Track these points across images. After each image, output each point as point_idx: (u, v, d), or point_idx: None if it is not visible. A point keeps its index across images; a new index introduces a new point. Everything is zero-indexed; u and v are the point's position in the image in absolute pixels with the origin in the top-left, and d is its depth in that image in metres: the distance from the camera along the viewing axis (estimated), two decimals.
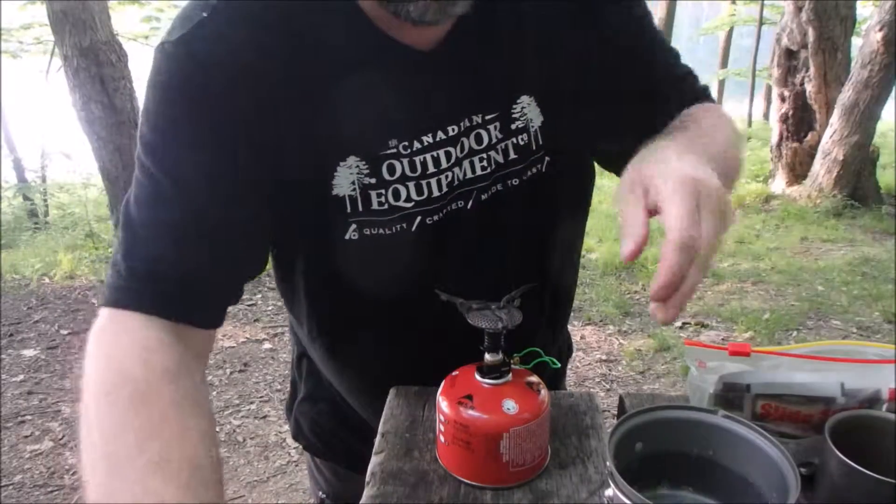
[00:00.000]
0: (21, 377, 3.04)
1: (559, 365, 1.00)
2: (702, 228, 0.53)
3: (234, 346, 3.28)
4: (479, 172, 0.75)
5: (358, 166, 0.71)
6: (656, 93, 0.82)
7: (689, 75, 0.86)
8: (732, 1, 12.28)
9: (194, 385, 0.62)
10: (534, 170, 0.79)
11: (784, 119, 6.09)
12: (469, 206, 0.76)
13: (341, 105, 0.69)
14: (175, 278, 0.64)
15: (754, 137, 9.00)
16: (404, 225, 0.74)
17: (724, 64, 12.82)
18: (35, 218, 6.31)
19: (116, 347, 0.62)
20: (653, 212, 0.56)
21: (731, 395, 0.70)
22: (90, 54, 4.13)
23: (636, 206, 0.56)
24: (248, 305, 3.73)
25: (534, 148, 0.78)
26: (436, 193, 0.74)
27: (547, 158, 0.79)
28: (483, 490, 0.67)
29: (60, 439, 2.59)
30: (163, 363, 0.60)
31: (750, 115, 10.40)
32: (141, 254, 0.64)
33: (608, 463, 0.54)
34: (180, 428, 0.56)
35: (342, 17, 0.68)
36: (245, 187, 0.67)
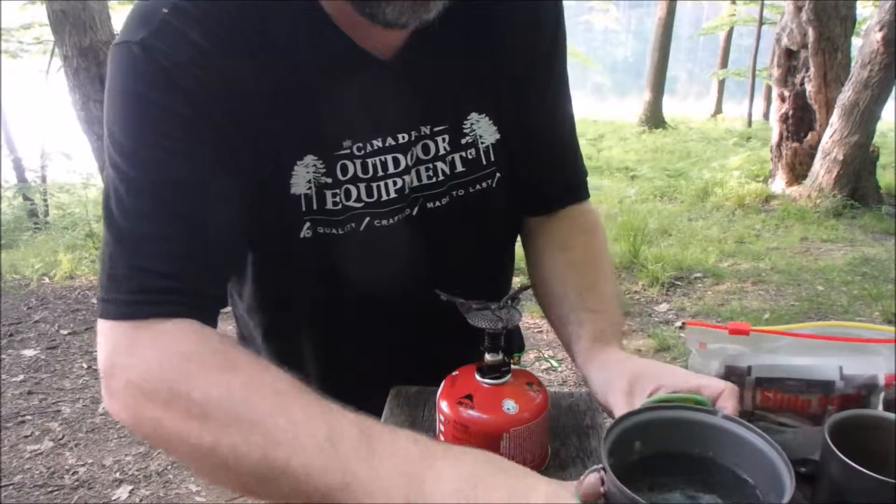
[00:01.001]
0: (21, 377, 3.04)
1: (559, 365, 1.03)
2: None
3: None
4: (425, 181, 0.78)
5: (315, 165, 0.72)
6: (557, 154, 0.89)
7: (581, 161, 0.92)
8: (732, 1, 12.29)
9: (247, 349, 0.64)
10: (483, 184, 0.81)
11: (784, 119, 6.09)
12: (416, 214, 0.79)
13: (300, 104, 0.70)
14: (185, 291, 0.63)
15: (754, 137, 9.01)
16: (353, 225, 0.76)
17: (724, 64, 12.83)
18: (35, 218, 6.31)
19: (165, 345, 0.61)
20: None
21: (732, 380, 0.70)
22: (90, 54, 4.13)
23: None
24: None
25: (484, 163, 0.81)
26: (384, 197, 0.76)
27: (498, 175, 0.82)
28: None
29: (60, 439, 2.59)
30: (215, 337, 0.62)
31: (750, 115, 10.41)
32: (149, 270, 0.63)
33: (603, 460, 0.54)
34: (270, 373, 0.59)
35: (304, 20, 0.68)
36: (224, 185, 0.67)
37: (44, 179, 6.94)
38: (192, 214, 0.64)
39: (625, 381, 0.66)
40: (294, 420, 0.54)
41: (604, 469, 0.53)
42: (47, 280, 4.17)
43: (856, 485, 0.58)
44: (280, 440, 0.54)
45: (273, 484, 0.54)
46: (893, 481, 0.56)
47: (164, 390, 0.58)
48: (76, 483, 2.34)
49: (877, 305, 3.70)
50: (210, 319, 0.65)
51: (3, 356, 3.22)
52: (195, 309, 0.63)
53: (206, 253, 0.65)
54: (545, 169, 0.87)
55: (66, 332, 3.49)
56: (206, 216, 0.65)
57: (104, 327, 0.63)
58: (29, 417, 2.73)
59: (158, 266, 0.63)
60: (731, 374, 0.71)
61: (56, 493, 2.29)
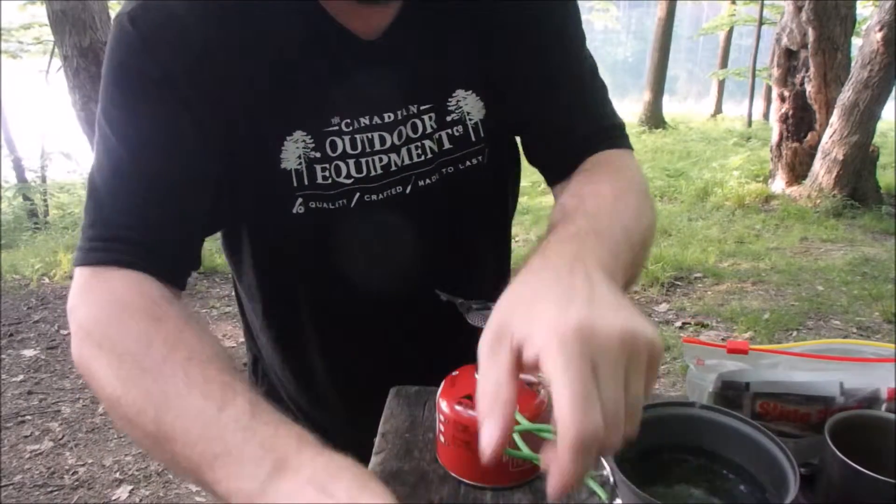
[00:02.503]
0: (21, 377, 3.04)
1: None
2: (602, 407, 0.41)
3: (234, 346, 3.28)
4: (415, 160, 0.79)
5: (304, 140, 0.74)
6: (573, 113, 0.81)
7: (606, 109, 0.83)
8: (732, 1, 12.29)
9: (189, 310, 0.65)
10: (473, 160, 0.82)
11: (784, 119, 6.09)
12: (408, 192, 0.80)
13: (288, 81, 0.72)
14: (143, 244, 0.67)
15: (754, 137, 9.01)
16: (345, 201, 0.77)
17: (724, 64, 12.82)
18: (35, 218, 6.31)
19: (109, 291, 0.64)
20: (526, 368, 0.45)
21: (730, 394, 0.70)
22: (90, 54, 4.13)
23: (501, 370, 0.45)
24: None
25: (473, 140, 0.81)
26: (373, 173, 0.77)
27: (487, 150, 0.83)
28: (483, 490, 0.68)
29: (60, 439, 2.59)
30: (158, 292, 0.64)
31: (750, 115, 10.41)
32: (110, 221, 0.67)
33: (608, 459, 0.55)
34: (197, 336, 0.60)
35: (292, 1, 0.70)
36: (198, 155, 0.70)
37: (44, 179, 6.95)
38: (159, 173, 0.68)
39: (490, 331, 0.48)
40: (192, 384, 0.54)
41: (610, 469, 0.53)
42: (47, 280, 4.17)
43: (856, 485, 0.58)
44: (172, 403, 0.54)
45: (162, 447, 0.54)
46: (893, 481, 0.56)
47: (97, 334, 0.61)
48: (76, 483, 2.34)
49: (877, 305, 3.70)
50: (169, 277, 0.68)
51: (3, 356, 3.22)
52: (152, 264, 0.66)
53: (171, 211, 0.69)
54: (557, 123, 0.81)
55: (66, 332, 3.49)
56: (173, 177, 0.68)
57: (74, 273, 0.68)
58: (29, 417, 2.73)
59: (120, 219, 0.67)
60: (729, 388, 0.70)
61: (56, 493, 2.29)
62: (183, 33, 0.67)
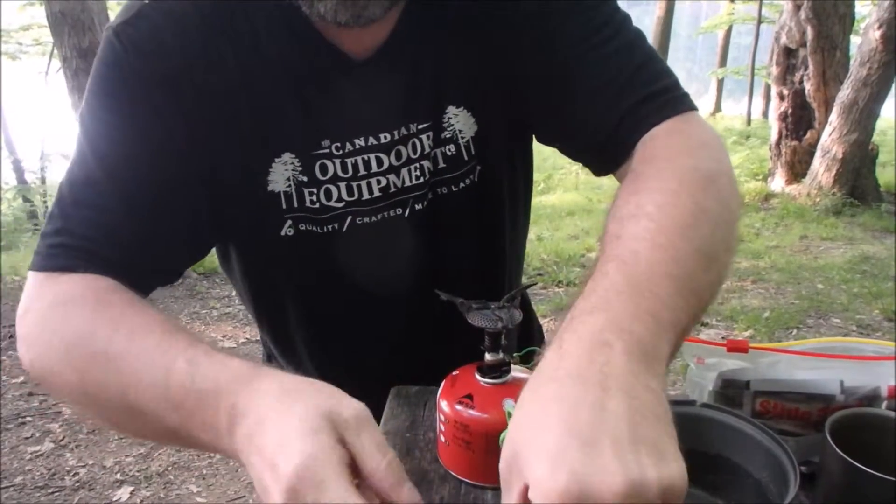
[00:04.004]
0: (21, 378, 3.03)
1: None
2: None
3: (234, 347, 3.29)
4: (414, 181, 0.77)
5: (293, 163, 0.73)
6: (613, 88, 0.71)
7: (642, 77, 0.71)
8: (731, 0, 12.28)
9: (137, 295, 0.64)
10: (467, 180, 0.80)
11: (783, 117, 6.09)
12: (406, 214, 0.78)
13: (277, 103, 0.71)
14: (106, 254, 0.66)
15: (753, 136, 9.01)
16: (336, 225, 0.76)
17: (723, 62, 12.83)
18: (35, 219, 6.32)
19: (57, 292, 0.63)
20: None
21: (730, 392, 0.70)
22: (89, 55, 4.12)
23: None
24: None
25: (465, 158, 0.79)
26: (366, 196, 0.76)
27: (479, 168, 0.80)
28: (483, 490, 0.67)
29: (61, 440, 2.59)
30: (107, 285, 0.64)
31: (749, 114, 10.41)
32: (73, 231, 0.66)
33: None
34: (142, 315, 0.60)
35: (282, 18, 0.69)
36: (177, 176, 0.69)
37: (43, 181, 6.95)
38: (132, 185, 0.66)
39: (504, 459, 0.45)
40: (143, 353, 0.55)
41: None
42: None
43: (856, 483, 0.58)
44: (129, 377, 0.55)
45: (137, 420, 0.56)
46: (894, 479, 0.56)
47: (46, 332, 0.61)
48: (77, 484, 2.34)
49: (877, 303, 3.70)
50: (130, 285, 0.65)
51: (4, 357, 3.22)
52: (111, 270, 0.65)
53: (142, 224, 0.67)
54: (579, 113, 0.73)
55: None
56: (146, 190, 0.67)
57: (27, 278, 0.67)
58: (29, 419, 2.73)
59: (81, 230, 0.65)
60: (729, 386, 0.70)
61: (57, 494, 2.29)
62: (168, 51, 0.66)
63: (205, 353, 0.54)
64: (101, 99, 0.67)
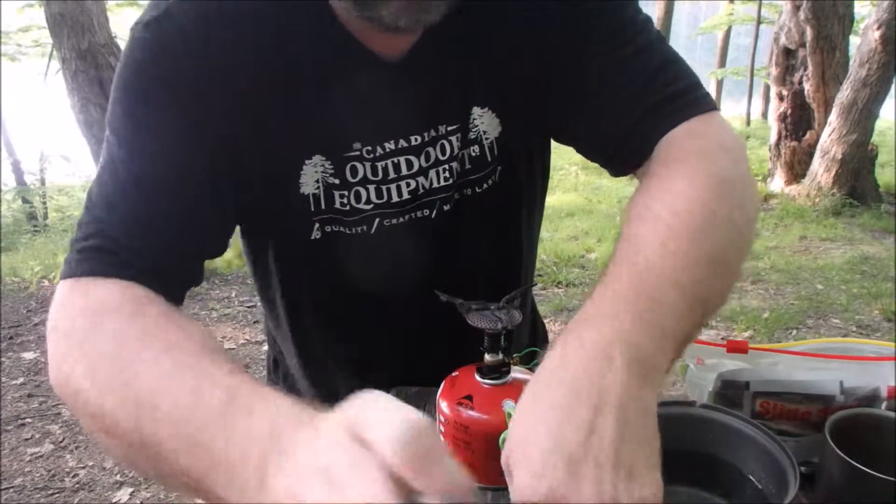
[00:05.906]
0: (21, 380, 3.03)
1: None
2: None
3: (234, 348, 3.28)
4: (443, 183, 0.77)
5: (323, 165, 0.72)
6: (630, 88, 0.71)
7: (661, 78, 0.72)
8: (730, 0, 12.29)
9: (173, 306, 0.61)
10: (489, 181, 0.80)
11: (782, 118, 6.09)
12: (433, 216, 0.78)
13: (308, 105, 0.70)
14: (137, 257, 0.63)
15: (753, 136, 9.01)
16: (364, 227, 0.76)
17: (723, 63, 12.83)
18: (34, 221, 6.31)
19: (88, 300, 0.60)
20: None
21: (730, 393, 0.70)
22: (88, 57, 4.13)
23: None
24: (248, 307, 3.72)
25: (489, 159, 0.79)
26: (395, 199, 0.76)
27: (500, 168, 0.80)
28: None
29: (61, 442, 2.59)
30: (142, 293, 0.60)
31: (748, 114, 10.41)
32: (105, 233, 0.63)
33: None
34: (177, 327, 0.55)
35: (313, 19, 0.68)
36: (205, 176, 0.67)
37: (43, 182, 6.95)
38: (154, 188, 0.64)
39: (504, 454, 0.48)
40: (166, 378, 0.48)
41: None
42: (47, 283, 4.17)
43: (856, 483, 0.58)
44: (145, 409, 0.47)
45: (152, 460, 0.47)
46: (893, 479, 0.56)
47: (73, 349, 0.55)
48: (77, 485, 2.34)
49: (876, 304, 3.70)
50: (161, 290, 0.62)
51: (3, 359, 3.22)
52: (142, 275, 0.62)
53: (165, 227, 0.65)
54: (596, 114, 0.73)
55: None
56: (176, 191, 0.65)
57: (57, 288, 0.63)
58: (29, 420, 2.73)
59: (113, 233, 0.63)
60: (729, 387, 0.70)
61: (57, 495, 2.29)
62: (198, 51, 0.65)
63: (244, 383, 0.46)
64: (129, 102, 0.66)
